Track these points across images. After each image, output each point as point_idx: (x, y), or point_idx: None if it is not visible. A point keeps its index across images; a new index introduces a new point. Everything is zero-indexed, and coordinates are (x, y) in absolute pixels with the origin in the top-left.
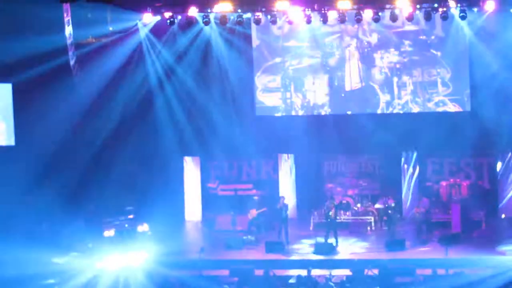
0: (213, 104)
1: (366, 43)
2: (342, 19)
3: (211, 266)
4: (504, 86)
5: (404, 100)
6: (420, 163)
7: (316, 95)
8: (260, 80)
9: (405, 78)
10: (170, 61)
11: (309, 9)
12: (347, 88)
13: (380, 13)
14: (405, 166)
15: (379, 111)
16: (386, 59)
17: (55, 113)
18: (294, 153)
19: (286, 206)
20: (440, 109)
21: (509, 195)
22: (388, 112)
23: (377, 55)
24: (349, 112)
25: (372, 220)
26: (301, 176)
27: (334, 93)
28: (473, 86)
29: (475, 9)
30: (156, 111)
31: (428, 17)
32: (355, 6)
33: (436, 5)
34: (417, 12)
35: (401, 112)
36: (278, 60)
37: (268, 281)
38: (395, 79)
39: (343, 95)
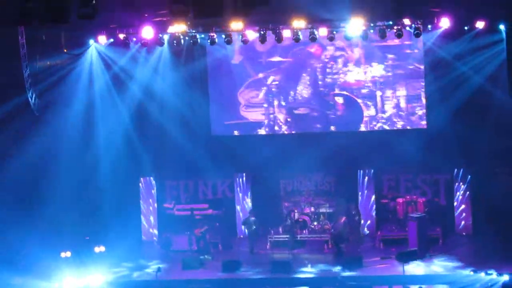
0: (168, 125)
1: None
2: (296, 39)
3: (168, 286)
4: (459, 103)
5: (388, 114)
6: (376, 180)
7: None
8: (243, 96)
9: (388, 92)
10: (124, 81)
11: (263, 30)
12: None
13: (334, 32)
14: (361, 184)
15: (362, 126)
16: (369, 73)
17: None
18: (250, 172)
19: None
20: (423, 122)
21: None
22: (372, 125)
23: (360, 69)
24: (332, 128)
25: (329, 238)
26: (257, 194)
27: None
28: (429, 103)
29: (430, 26)
30: (110, 131)
31: (382, 35)
32: (310, 25)
33: (391, 22)
34: (371, 30)
35: (386, 126)
36: (261, 75)
37: None
38: (379, 93)
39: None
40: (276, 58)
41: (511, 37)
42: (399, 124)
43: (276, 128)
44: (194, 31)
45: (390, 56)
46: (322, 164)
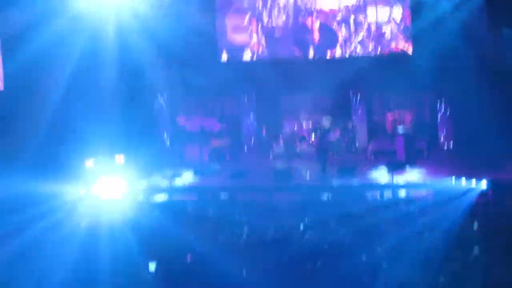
0: (180, 50)
1: None
2: None
3: (181, 191)
4: (444, 31)
5: (360, 37)
6: (367, 99)
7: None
8: (230, 20)
9: (360, 17)
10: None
11: None
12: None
13: None
14: (354, 102)
15: (337, 49)
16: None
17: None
18: (255, 92)
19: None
20: (393, 45)
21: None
22: (346, 48)
23: None
24: (311, 50)
25: (315, 149)
26: (261, 111)
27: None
28: (414, 31)
29: None
30: (133, 61)
31: None
32: None
33: None
34: None
35: (358, 49)
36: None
37: (231, 204)
38: (352, 17)
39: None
40: None
41: None
42: (370, 48)
43: (261, 50)
44: None
45: None
46: (319, 85)
